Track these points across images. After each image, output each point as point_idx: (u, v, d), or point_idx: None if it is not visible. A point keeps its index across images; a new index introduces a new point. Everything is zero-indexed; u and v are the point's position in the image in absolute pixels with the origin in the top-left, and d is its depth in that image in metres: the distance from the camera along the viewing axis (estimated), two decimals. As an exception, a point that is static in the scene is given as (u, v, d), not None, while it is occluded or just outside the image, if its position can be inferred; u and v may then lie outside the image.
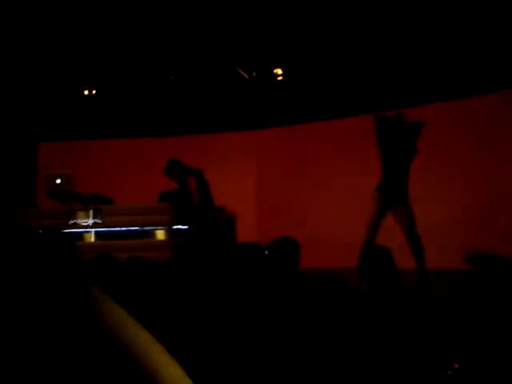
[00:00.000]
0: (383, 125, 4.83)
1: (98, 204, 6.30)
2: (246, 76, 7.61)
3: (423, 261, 4.69)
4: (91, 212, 6.19)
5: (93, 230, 6.27)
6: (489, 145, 6.54)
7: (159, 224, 6.12)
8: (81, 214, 6.23)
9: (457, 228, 6.46)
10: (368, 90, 7.16)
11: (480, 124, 6.60)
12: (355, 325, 2.58)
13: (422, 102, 6.52)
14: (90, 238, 6.33)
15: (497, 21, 5.99)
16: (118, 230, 6.21)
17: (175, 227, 6.17)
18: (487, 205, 6.39)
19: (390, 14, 6.24)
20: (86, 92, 8.33)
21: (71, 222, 6.17)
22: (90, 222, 6.13)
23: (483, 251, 4.49)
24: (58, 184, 6.23)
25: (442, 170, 6.75)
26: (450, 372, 2.07)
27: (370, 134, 4.94)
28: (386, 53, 6.83)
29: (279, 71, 7.51)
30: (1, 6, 6.46)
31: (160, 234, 6.25)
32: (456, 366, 2.07)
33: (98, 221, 6.13)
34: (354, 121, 7.09)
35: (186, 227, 6.31)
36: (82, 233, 6.31)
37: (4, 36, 7.01)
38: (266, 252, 4.06)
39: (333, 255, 6.39)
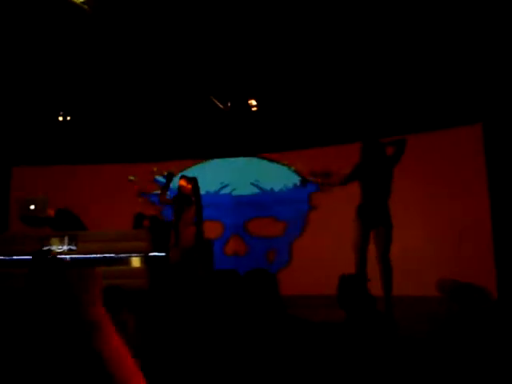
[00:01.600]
0: (369, 149, 5.04)
1: (73, 230, 6.28)
2: (222, 106, 7.76)
3: (390, 288, 4.79)
4: (66, 238, 6.15)
5: (67, 256, 6.22)
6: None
7: (135, 251, 6.12)
8: (55, 240, 6.19)
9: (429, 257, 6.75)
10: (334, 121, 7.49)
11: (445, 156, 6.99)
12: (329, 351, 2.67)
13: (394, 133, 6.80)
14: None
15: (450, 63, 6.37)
16: (92, 257, 6.17)
17: (151, 254, 6.18)
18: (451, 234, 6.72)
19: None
20: (61, 118, 8.33)
21: (45, 248, 6.12)
22: (65, 248, 6.10)
23: (455, 280, 4.68)
24: (32, 209, 6.19)
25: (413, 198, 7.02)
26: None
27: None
28: (357, 82, 7.11)
29: (253, 102, 7.71)
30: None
31: (136, 261, 6.24)
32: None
33: (73, 247, 6.10)
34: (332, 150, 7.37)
35: (162, 254, 6.33)
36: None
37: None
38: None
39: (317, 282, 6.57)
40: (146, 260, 6.10)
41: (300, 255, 8.06)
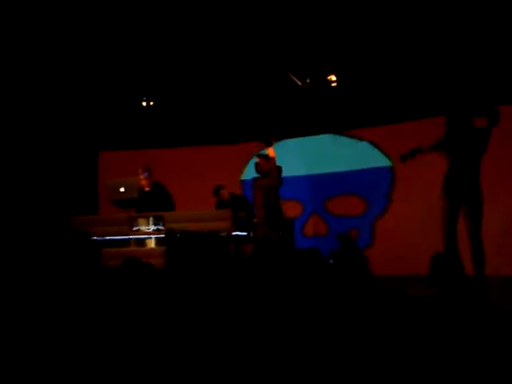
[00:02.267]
0: (454, 121, 4.82)
1: (160, 211, 6.53)
2: (300, 83, 7.68)
3: (482, 268, 4.55)
4: (153, 219, 6.40)
5: (154, 236, 6.49)
6: None
7: (219, 230, 6.25)
8: (143, 220, 6.45)
9: None
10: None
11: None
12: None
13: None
14: (151, 243, 6.57)
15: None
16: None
17: (234, 233, 6.31)
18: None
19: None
20: (144, 103, 8.62)
21: (135, 228, 6.40)
22: (153, 228, 6.35)
23: None
24: (122, 192, 6.47)
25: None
26: None
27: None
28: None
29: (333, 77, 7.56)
30: (61, 20, 6.78)
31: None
32: None
33: (160, 227, 6.34)
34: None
35: (245, 233, 6.44)
36: (144, 239, 6.55)
37: (66, 50, 7.35)
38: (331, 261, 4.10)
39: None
40: (229, 239, 6.22)
41: (384, 235, 7.82)
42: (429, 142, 4.98)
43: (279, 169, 6.15)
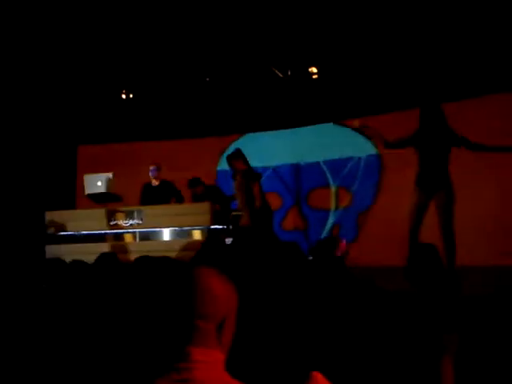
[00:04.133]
0: (427, 115, 4.82)
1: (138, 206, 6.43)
2: (281, 75, 7.61)
3: (453, 258, 4.60)
4: (132, 213, 6.29)
5: (133, 230, 6.38)
6: None
7: (197, 224, 6.18)
8: (121, 215, 6.34)
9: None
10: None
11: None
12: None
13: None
14: (130, 238, 6.46)
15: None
16: (157, 231, 6.31)
17: (213, 227, 6.22)
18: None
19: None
20: (124, 96, 8.48)
21: (112, 223, 6.29)
22: (131, 222, 6.24)
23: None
24: (99, 186, 6.35)
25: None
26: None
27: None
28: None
29: (314, 69, 7.49)
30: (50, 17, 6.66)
31: (197, 234, 6.31)
32: None
33: (139, 222, 6.24)
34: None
35: (223, 227, 6.35)
36: (122, 233, 6.44)
37: (46, 42, 7.21)
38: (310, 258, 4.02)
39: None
40: (208, 233, 6.14)
41: (369, 228, 7.53)
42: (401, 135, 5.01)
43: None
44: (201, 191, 6.61)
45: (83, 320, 2.86)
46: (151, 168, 6.67)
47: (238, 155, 5.88)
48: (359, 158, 7.86)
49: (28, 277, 3.63)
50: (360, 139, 7.67)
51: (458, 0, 6.06)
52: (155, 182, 6.70)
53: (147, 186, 6.73)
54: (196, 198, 6.63)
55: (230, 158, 5.92)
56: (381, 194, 7.60)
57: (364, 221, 7.69)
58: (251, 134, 8.44)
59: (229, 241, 5.62)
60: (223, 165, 7.48)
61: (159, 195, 6.57)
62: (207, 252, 3.74)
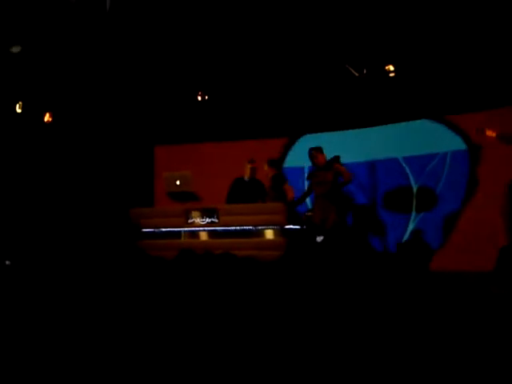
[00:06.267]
0: None
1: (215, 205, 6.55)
2: (357, 74, 7.51)
3: None
4: (207, 212, 6.42)
5: (208, 228, 6.51)
6: None
7: (272, 223, 6.21)
8: (197, 213, 6.49)
9: None
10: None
11: None
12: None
13: None
14: (205, 236, 6.60)
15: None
16: (232, 230, 6.40)
17: (287, 227, 6.23)
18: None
19: None
20: (199, 98, 8.69)
21: (190, 220, 6.46)
22: (207, 220, 6.38)
23: None
24: (178, 185, 6.54)
25: None
26: None
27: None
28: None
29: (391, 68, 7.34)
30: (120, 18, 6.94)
31: (270, 234, 6.35)
32: None
33: (214, 220, 6.36)
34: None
35: (297, 227, 6.36)
36: (197, 231, 6.59)
37: (123, 45, 7.52)
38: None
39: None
40: (282, 232, 6.16)
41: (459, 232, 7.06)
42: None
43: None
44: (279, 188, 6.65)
45: (167, 309, 2.98)
46: (250, 166, 6.77)
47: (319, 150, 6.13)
48: (445, 154, 7.36)
49: (125, 270, 3.82)
50: (447, 134, 7.31)
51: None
52: (248, 177, 6.81)
53: (239, 180, 6.84)
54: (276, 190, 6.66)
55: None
56: (471, 194, 7.07)
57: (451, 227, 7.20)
58: (311, 135, 8.38)
59: (320, 239, 5.70)
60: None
61: (249, 191, 6.69)
62: (297, 250, 3.79)
